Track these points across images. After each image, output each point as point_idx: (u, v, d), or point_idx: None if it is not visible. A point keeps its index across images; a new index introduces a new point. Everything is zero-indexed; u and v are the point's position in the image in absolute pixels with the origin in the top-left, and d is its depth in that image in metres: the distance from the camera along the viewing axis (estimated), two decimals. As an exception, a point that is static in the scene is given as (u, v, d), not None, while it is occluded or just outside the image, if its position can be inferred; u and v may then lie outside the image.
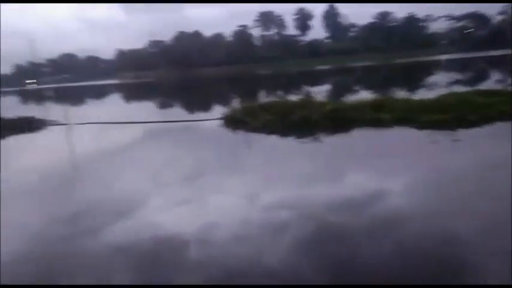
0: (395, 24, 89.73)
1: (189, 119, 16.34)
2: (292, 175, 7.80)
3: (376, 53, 72.10)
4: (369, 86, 24.82)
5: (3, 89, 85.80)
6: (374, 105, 12.72)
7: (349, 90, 23.23)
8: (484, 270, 4.09)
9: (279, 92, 21.93)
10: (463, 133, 10.12)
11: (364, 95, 15.92)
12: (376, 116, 11.99)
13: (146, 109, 23.65)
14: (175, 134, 13.94)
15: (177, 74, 73.50)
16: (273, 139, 11.64)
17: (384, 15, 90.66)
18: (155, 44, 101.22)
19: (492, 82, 19.94)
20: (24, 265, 4.84)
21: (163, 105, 25.83)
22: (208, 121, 14.88)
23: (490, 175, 6.79)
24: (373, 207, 5.82)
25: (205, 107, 21.77)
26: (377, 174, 7.47)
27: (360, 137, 10.90)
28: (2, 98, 49.78)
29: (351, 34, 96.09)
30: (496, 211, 5.41)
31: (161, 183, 7.91)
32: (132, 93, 44.89)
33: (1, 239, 5.47)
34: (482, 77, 26.26)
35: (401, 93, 15.84)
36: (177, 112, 20.94)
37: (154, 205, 6.65)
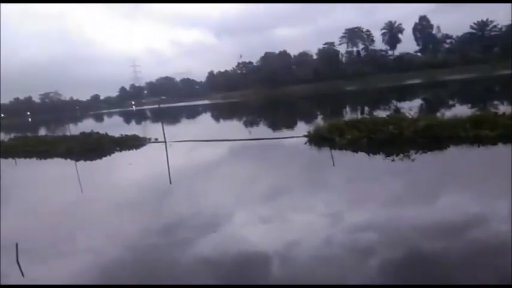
0: (496, 33, 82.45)
1: (275, 137, 16.63)
2: (378, 195, 7.52)
3: (474, 65, 66.67)
4: (466, 101, 23.04)
5: (110, 110, 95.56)
6: (473, 121, 11.77)
7: (444, 104, 21.78)
8: None
9: (367, 108, 21.31)
10: None
11: (461, 110, 14.81)
12: (476, 133, 11.08)
13: (234, 127, 24.62)
14: (262, 151, 14.27)
15: (264, 93, 75.36)
16: (359, 157, 11.35)
17: (482, 25, 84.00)
18: (244, 65, 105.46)
19: None
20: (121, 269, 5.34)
21: (251, 123, 26.62)
22: (294, 138, 15.01)
23: None
24: (470, 231, 5.39)
25: (291, 124, 21.97)
26: (475, 196, 6.90)
27: (456, 156, 10.16)
28: (108, 118, 55.31)
29: (446, 46, 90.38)
30: None
31: (247, 200, 8.16)
32: (222, 112, 47.02)
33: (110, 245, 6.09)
34: None
35: (503, 108, 14.45)
36: (264, 130, 21.44)
37: (239, 221, 6.88)
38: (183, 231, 6.57)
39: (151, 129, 28.22)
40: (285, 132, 17.81)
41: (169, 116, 50.03)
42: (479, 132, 11.01)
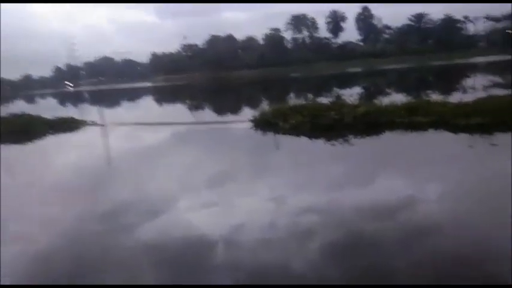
0: (431, 25, 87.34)
1: (220, 121, 16.49)
2: (320, 178, 7.71)
3: (411, 55, 70.35)
4: (402, 89, 24.23)
5: (44, 91, 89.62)
6: (408, 108, 12.38)
7: (382, 92, 22.76)
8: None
9: (310, 95, 21.75)
10: (501, 138, 9.68)
11: (398, 98, 15.53)
12: (411, 119, 11.68)
13: (178, 111, 24.06)
14: (205, 135, 14.11)
15: (209, 77, 74.42)
16: (303, 141, 11.57)
17: (419, 17, 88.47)
18: (188, 47, 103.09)
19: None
20: (54, 261, 5.02)
21: (195, 107, 26.18)
22: (239, 123, 14.96)
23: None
24: (401, 214, 5.67)
25: (236, 109, 21.91)
26: (409, 179, 7.27)
27: (392, 141, 10.66)
28: (41, 100, 51.94)
29: (385, 36, 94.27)
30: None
31: (189, 185, 8.01)
32: (166, 95, 45.82)
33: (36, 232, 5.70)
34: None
35: (437, 96, 15.35)
36: (209, 114, 21.17)
37: (182, 206, 6.75)
38: (122, 218, 6.31)
39: (89, 112, 26.87)
40: (231, 117, 17.72)
41: (109, 98, 47.97)
42: (413, 119, 11.62)
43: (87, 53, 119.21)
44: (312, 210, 5.98)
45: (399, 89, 24.36)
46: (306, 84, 39.57)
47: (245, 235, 5.31)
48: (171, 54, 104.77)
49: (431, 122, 11.30)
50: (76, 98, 53.32)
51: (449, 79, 32.05)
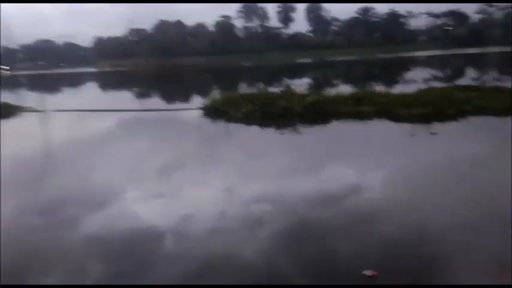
0: (377, 19, 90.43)
1: (169, 109, 16.12)
2: (271, 167, 7.75)
3: (358, 48, 72.63)
4: (349, 80, 24.98)
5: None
6: (355, 99, 12.80)
7: (331, 83, 23.32)
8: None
9: (261, 84, 21.83)
10: (440, 127, 10.27)
11: (345, 89, 16.00)
12: (357, 109, 12.09)
13: (124, 98, 23.18)
14: (153, 123, 13.72)
15: (157, 64, 72.40)
16: (254, 130, 11.59)
17: (365, 11, 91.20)
18: (135, 32, 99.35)
19: (469, 79, 20.31)
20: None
21: (142, 95, 25.38)
22: (188, 111, 14.71)
23: (464, 168, 6.93)
24: (349, 200, 5.84)
25: (186, 97, 21.52)
26: (355, 166, 7.51)
27: (340, 129, 10.96)
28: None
29: (334, 28, 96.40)
30: (472, 202, 5.52)
31: (136, 174, 7.74)
32: (111, 81, 44.02)
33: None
34: (460, 73, 26.76)
35: (381, 88, 15.97)
36: (157, 102, 20.60)
37: (128, 196, 6.51)
38: (62, 211, 5.97)
39: (27, 98, 25.22)
40: (180, 105, 17.37)
41: (49, 83, 45.29)
42: (359, 109, 12.04)
43: (25, 35, 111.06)
44: (262, 199, 5.99)
45: (346, 80, 25.09)
46: (257, 74, 39.66)
47: (195, 226, 5.21)
48: (117, 39, 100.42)
49: (375, 112, 11.76)
50: (12, 83, 49.79)
51: (393, 71, 33.49)
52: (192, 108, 14.71)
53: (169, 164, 8.22)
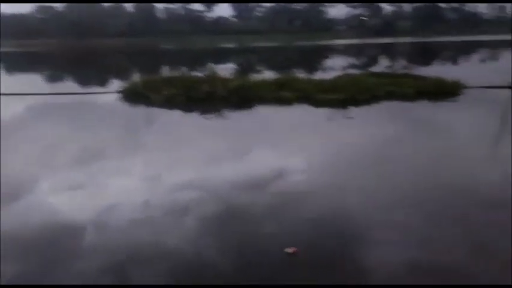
0: (298, 7, 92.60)
1: (84, 92, 15.09)
2: (196, 152, 7.65)
3: (280, 35, 73.95)
4: (272, 66, 25.40)
5: None
6: (277, 84, 13.05)
7: (254, 69, 23.53)
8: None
9: (183, 68, 21.33)
10: (356, 111, 10.89)
11: (268, 75, 16.25)
12: (279, 94, 12.35)
13: (34, 81, 21.24)
14: (68, 108, 12.76)
15: (71, 44, 67.25)
16: (177, 114, 11.31)
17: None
18: (44, 9, 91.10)
19: (382, 66, 21.74)
20: None
21: (54, 77, 23.46)
22: (106, 94, 13.92)
23: (378, 149, 7.44)
24: (274, 184, 5.97)
25: (103, 80, 20.30)
26: (279, 150, 7.69)
27: (263, 114, 11.12)
28: None
29: (257, 14, 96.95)
30: (387, 181, 5.95)
31: (50, 164, 7.17)
32: (18, 63, 40.05)
33: None
34: (373, 61, 28.53)
35: (302, 74, 16.48)
36: (71, 86, 19.17)
37: (43, 188, 6.02)
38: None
39: None
40: (96, 89, 16.34)
41: None
42: (281, 94, 12.32)
43: None
44: (187, 186, 5.88)
45: (269, 66, 25.48)
46: (179, 57, 38.66)
47: (118, 217, 4.98)
48: (22, 16, 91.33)
49: (296, 97, 12.13)
50: None
51: (313, 58, 34.70)
52: (110, 92, 13.94)
53: (87, 152, 7.71)
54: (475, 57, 29.48)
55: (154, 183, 6.06)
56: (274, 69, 20.92)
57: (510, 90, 12.61)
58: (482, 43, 45.28)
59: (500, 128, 8.78)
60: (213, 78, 13.21)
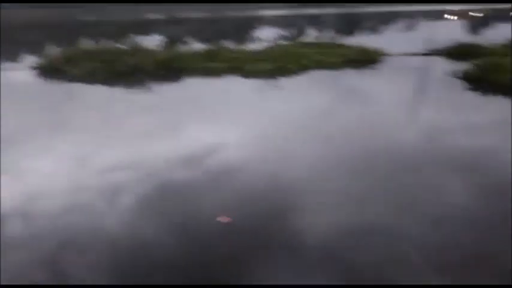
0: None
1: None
2: (124, 130, 7.25)
3: (208, 4, 72.17)
4: (201, 37, 24.74)
5: None
6: (206, 55, 12.74)
7: (182, 40, 22.74)
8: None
9: (105, 40, 20.02)
10: (285, 81, 10.97)
11: (198, 46, 15.78)
12: (208, 66, 12.07)
13: None
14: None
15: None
16: (100, 90, 10.62)
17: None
18: None
19: (310, 36, 22.05)
20: None
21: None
22: (18, 72, 12.68)
23: (306, 117, 7.58)
24: (209, 158, 5.86)
25: (13, 55, 18.45)
26: (211, 123, 7.54)
27: (194, 86, 10.81)
28: None
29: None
30: (319, 150, 6.08)
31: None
32: None
33: None
34: (302, 31, 28.89)
35: (232, 45, 16.22)
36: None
37: None
38: None
39: None
40: (7, 65, 14.83)
41: None
42: (211, 65, 12.05)
43: None
44: (119, 166, 5.56)
45: (198, 38, 24.78)
46: (99, 29, 36.25)
47: (45, 204, 4.57)
48: None
49: (226, 68, 11.94)
50: None
51: (243, 29, 34.34)
52: (23, 69, 12.71)
53: (4, 136, 6.97)
54: (396, 27, 31.02)
55: (83, 165, 5.66)
56: (203, 41, 20.38)
57: (427, 56, 13.45)
58: (402, 13, 47.74)
59: (419, 93, 9.33)
60: (138, 51, 12.54)
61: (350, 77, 11.45)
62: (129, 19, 49.17)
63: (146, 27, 36.48)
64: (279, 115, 7.83)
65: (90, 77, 11.16)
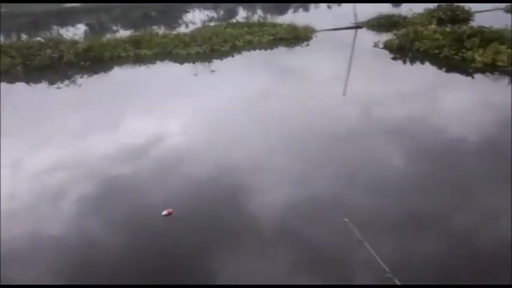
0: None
1: None
2: (57, 128, 6.75)
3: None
4: (126, 24, 23.63)
5: None
6: (132, 42, 12.17)
7: (107, 28, 21.56)
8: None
9: (19, 34, 18.49)
10: (218, 63, 10.78)
11: (123, 33, 15.01)
12: (136, 52, 11.58)
13: None
14: None
15: None
16: (19, 88, 9.78)
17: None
18: None
19: (240, 17, 21.82)
20: None
21: None
22: None
23: (244, 98, 7.53)
24: (151, 149, 5.64)
25: None
26: (149, 112, 7.23)
27: (122, 75, 10.30)
28: None
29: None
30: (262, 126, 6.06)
31: None
32: None
33: None
34: (233, 12, 28.54)
35: (159, 30, 15.61)
36: None
37: None
38: None
39: None
40: None
41: None
42: (138, 52, 11.56)
43: None
44: (57, 167, 5.17)
45: (123, 24, 23.67)
46: (15, 22, 33.36)
47: None
48: None
49: (155, 54, 11.52)
50: None
51: (171, 13, 33.25)
52: None
53: None
54: (324, 3, 31.62)
55: (18, 169, 5.24)
56: (130, 27, 19.46)
57: (354, 30, 13.86)
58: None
59: (348, 65, 9.58)
60: (56, 42, 11.63)
61: (283, 55, 11.50)
62: (49, 9, 45.67)
63: (68, 17, 34.11)
64: (216, 99, 7.69)
65: (7, 76, 10.24)
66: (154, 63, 11.06)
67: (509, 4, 15.02)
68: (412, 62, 9.50)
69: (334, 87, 7.98)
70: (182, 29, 15.70)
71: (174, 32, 13.55)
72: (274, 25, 14.25)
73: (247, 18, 19.76)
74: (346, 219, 3.33)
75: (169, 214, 3.91)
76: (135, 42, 12.06)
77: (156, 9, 36.47)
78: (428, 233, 3.49)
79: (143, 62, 11.04)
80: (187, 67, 10.51)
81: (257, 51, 11.89)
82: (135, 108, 7.53)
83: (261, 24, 14.67)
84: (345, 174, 4.57)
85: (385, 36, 11.40)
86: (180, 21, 23.31)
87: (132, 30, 16.68)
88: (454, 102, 6.67)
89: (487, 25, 9.77)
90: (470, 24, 11.51)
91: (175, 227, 3.79)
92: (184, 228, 3.79)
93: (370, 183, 4.34)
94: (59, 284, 3.25)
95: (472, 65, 8.30)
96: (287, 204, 4.02)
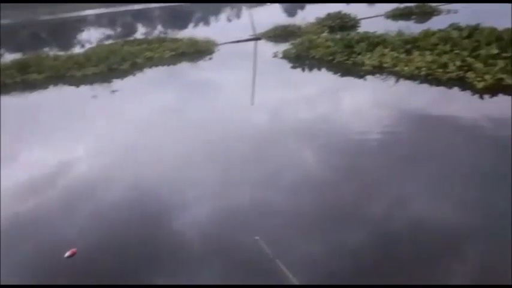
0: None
1: None
2: None
3: (16, 11, 63.32)
4: (12, 47, 21.59)
5: None
6: (18, 67, 11.11)
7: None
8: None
9: None
10: (119, 83, 10.28)
11: (9, 57, 13.66)
12: (23, 78, 10.59)
13: None
14: None
15: None
16: None
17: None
18: None
19: (138, 33, 21.18)
20: None
21: None
22: None
23: (152, 116, 7.24)
24: (59, 180, 5.12)
25: None
26: (49, 141, 6.60)
27: (11, 103, 9.30)
28: None
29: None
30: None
31: None
32: None
33: None
34: (129, 29, 27.62)
35: (50, 52, 14.49)
36: None
37: None
38: None
39: None
40: None
41: None
42: (26, 77, 10.58)
43: None
44: None
45: (8, 47, 21.57)
46: None
47: None
48: None
49: (47, 78, 10.65)
50: None
51: (62, 33, 31.17)
52: None
53: None
54: (222, 16, 32.11)
55: None
56: (16, 50, 17.81)
57: (253, 42, 14.21)
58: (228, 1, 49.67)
59: (251, 75, 9.77)
60: None
61: (186, 69, 11.36)
62: None
63: None
64: (121, 119, 7.30)
65: None
66: (47, 88, 10.20)
67: (389, 11, 16.67)
68: (310, 69, 9.98)
69: (241, 97, 8.07)
70: (76, 50, 14.75)
71: (67, 53, 12.66)
72: (175, 40, 14.07)
73: (146, 34, 19.25)
74: (257, 237, 3.39)
75: (72, 255, 3.55)
76: (22, 67, 11.02)
77: (46, 30, 34.01)
78: (347, 226, 3.64)
79: (33, 88, 10.12)
80: (85, 89, 9.87)
81: (159, 67, 11.59)
82: (31, 137, 6.90)
83: (161, 40, 14.41)
84: (264, 178, 4.66)
85: (283, 46, 11.83)
86: (74, 41, 21.93)
87: (19, 54, 15.29)
88: (352, 102, 7.18)
89: (372, 30, 10.68)
90: (357, 30, 12.46)
91: (80, 270, 3.44)
92: (90, 268, 3.46)
93: (287, 184, 4.46)
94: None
95: (363, 68, 8.97)
96: (208, 222, 3.92)
